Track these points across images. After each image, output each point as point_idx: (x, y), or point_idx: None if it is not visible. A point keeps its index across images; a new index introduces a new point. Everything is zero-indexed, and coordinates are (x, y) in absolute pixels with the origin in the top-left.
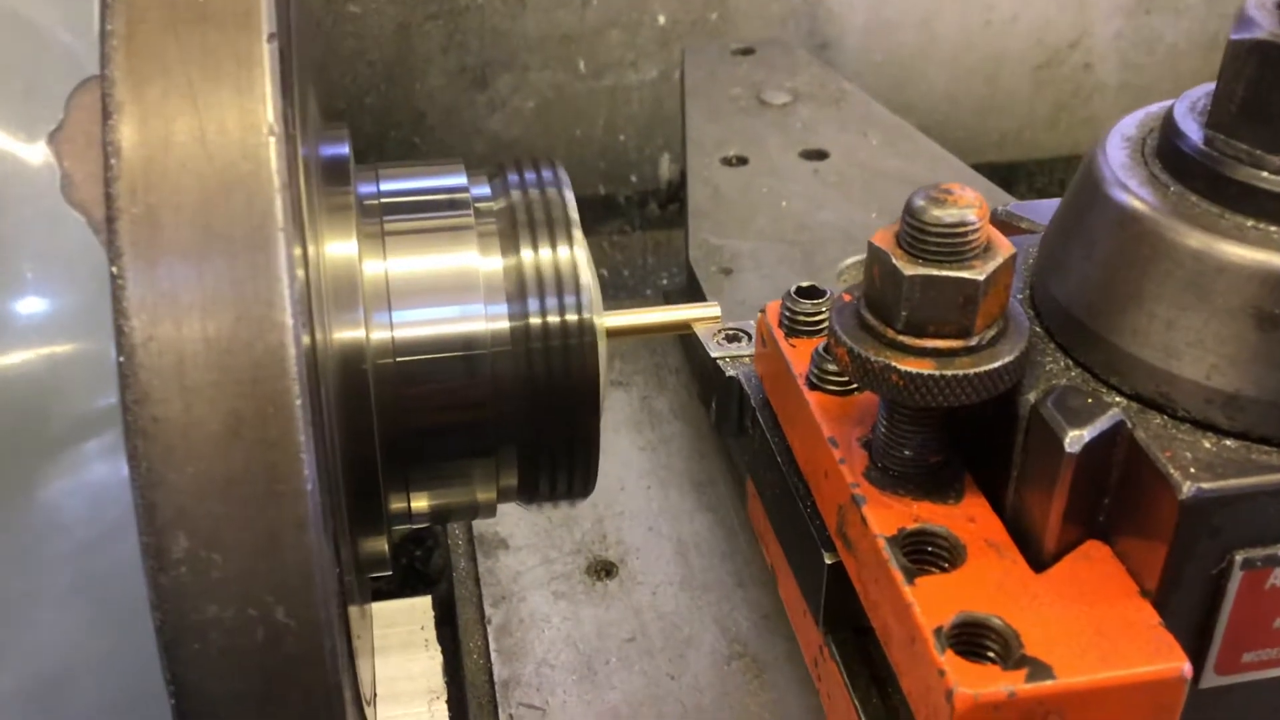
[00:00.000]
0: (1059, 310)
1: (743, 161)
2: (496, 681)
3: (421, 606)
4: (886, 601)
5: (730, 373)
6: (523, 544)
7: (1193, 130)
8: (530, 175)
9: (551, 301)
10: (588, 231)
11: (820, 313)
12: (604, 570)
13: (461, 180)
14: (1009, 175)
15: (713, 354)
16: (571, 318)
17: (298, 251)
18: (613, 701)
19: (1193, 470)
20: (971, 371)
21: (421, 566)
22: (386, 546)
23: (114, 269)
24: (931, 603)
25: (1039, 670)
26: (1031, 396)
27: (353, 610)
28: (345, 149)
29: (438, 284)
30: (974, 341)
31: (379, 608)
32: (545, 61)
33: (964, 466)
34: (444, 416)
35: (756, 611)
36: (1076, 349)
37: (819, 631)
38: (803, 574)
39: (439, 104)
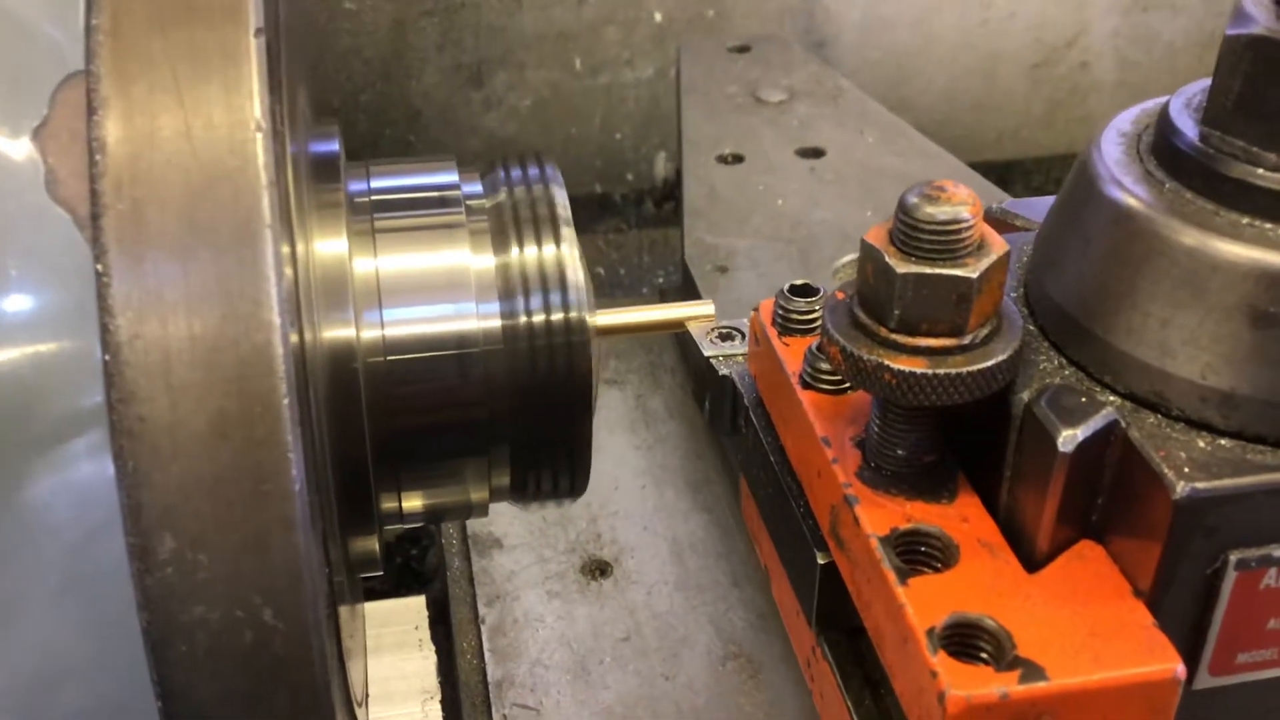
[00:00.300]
0: (1053, 308)
1: (739, 159)
2: (490, 681)
3: (415, 606)
4: (879, 602)
5: (724, 371)
6: (517, 543)
7: (1188, 127)
8: (522, 173)
9: (543, 300)
10: (583, 230)
11: (814, 311)
12: (598, 570)
13: (453, 178)
14: (1006, 173)
15: (706, 353)
16: (564, 316)
17: (285, 249)
18: (607, 702)
19: (1187, 470)
20: (965, 370)
21: (417, 565)
22: (377, 546)
23: (99, 266)
24: (924, 603)
25: (1032, 671)
26: (1025, 395)
27: (344, 610)
28: (335, 146)
29: (429, 282)
30: (967, 340)
31: (373, 607)
32: (541, 59)
33: (957, 466)
34: (435, 415)
35: (751, 611)
36: (1070, 347)
37: (812, 632)
38: (795, 574)
39: (434, 101)
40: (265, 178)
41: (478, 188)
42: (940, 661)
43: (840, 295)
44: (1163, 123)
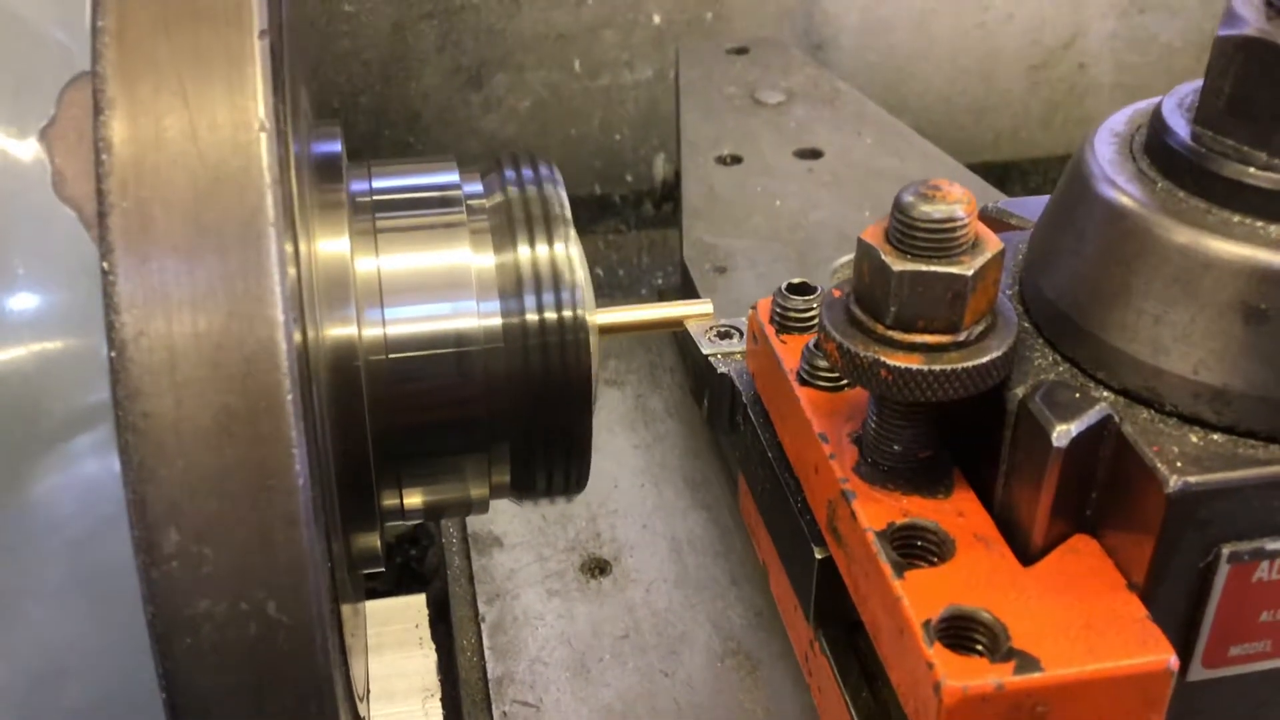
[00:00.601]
0: (1047, 306)
1: (737, 161)
2: (490, 679)
3: (416, 605)
4: (876, 595)
5: (722, 369)
6: (517, 542)
7: (1180, 126)
8: (523, 172)
9: (544, 298)
10: (582, 231)
11: (811, 309)
12: (598, 568)
13: (454, 177)
14: (1004, 175)
15: (704, 351)
16: (564, 314)
17: (289, 248)
18: (606, 699)
19: (1179, 464)
20: (960, 366)
21: (416, 566)
22: (379, 542)
23: (105, 264)
24: (920, 596)
25: (1027, 663)
26: (1020, 391)
27: (346, 608)
28: (338, 146)
29: (430, 281)
30: (962, 337)
31: (373, 606)
32: (540, 61)
33: (953, 461)
34: (436, 413)
35: (750, 609)
36: (1064, 344)
37: (810, 626)
38: (793, 569)
39: (434, 103)
40: (269, 177)
41: (478, 187)
42: (936, 653)
43: (837, 293)
44: (1155, 123)
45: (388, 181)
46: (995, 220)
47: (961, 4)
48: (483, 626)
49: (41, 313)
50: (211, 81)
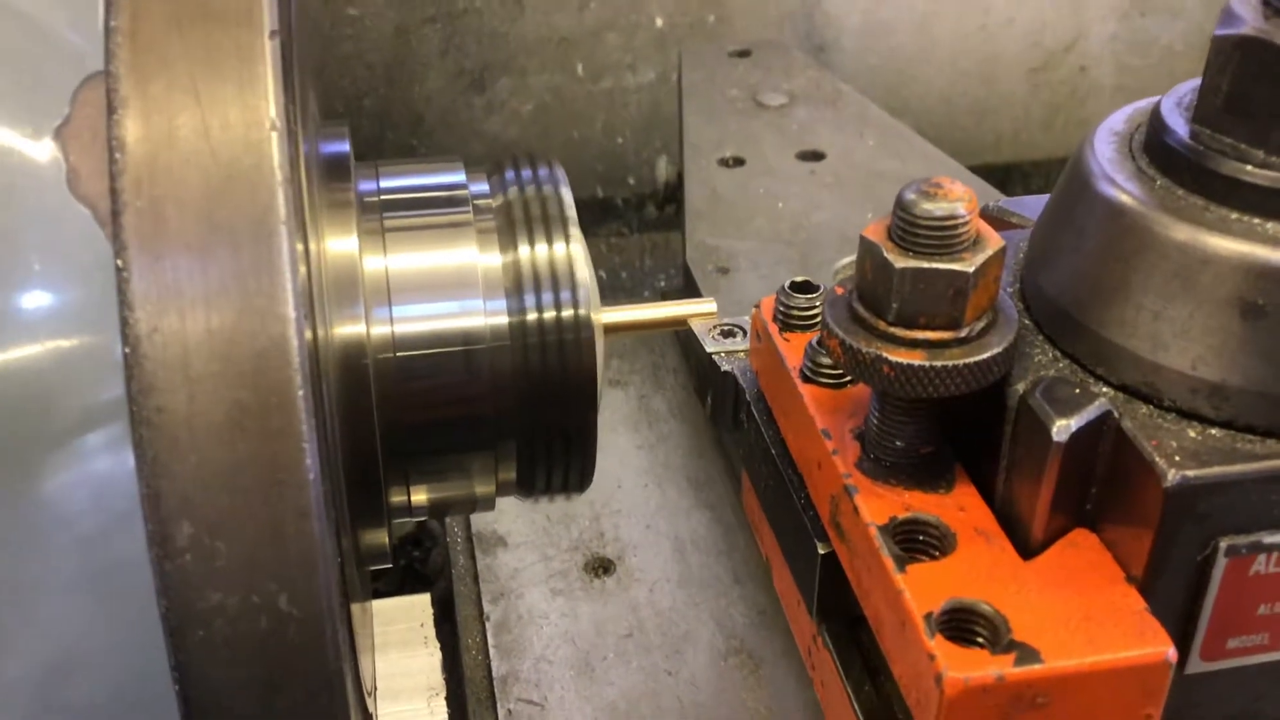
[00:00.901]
0: (1048, 302)
1: (739, 163)
2: (495, 677)
3: (420, 604)
4: (878, 589)
5: (725, 367)
6: (521, 541)
7: (1179, 125)
8: (528, 173)
9: (549, 297)
10: (586, 233)
11: (814, 307)
12: (602, 567)
13: (460, 177)
14: (1005, 177)
15: (708, 349)
16: (569, 313)
17: (300, 246)
18: (610, 697)
19: (1178, 458)
20: (961, 362)
21: (420, 567)
22: (387, 539)
23: (119, 261)
24: (922, 589)
25: (1027, 654)
26: (1020, 387)
27: (354, 606)
28: (345, 146)
29: (437, 280)
30: (964, 333)
31: (379, 605)
32: (543, 64)
33: (955, 457)
34: (443, 410)
35: (753, 608)
36: (1064, 340)
37: (813, 621)
38: (797, 565)
39: (437, 106)
40: (280, 176)
41: (484, 187)
42: (938, 645)
43: (840, 290)
44: (1154, 121)
45: (395, 181)
46: (996, 219)
47: (963, 7)
48: (487, 625)
49: (56, 310)
50: (223, 81)
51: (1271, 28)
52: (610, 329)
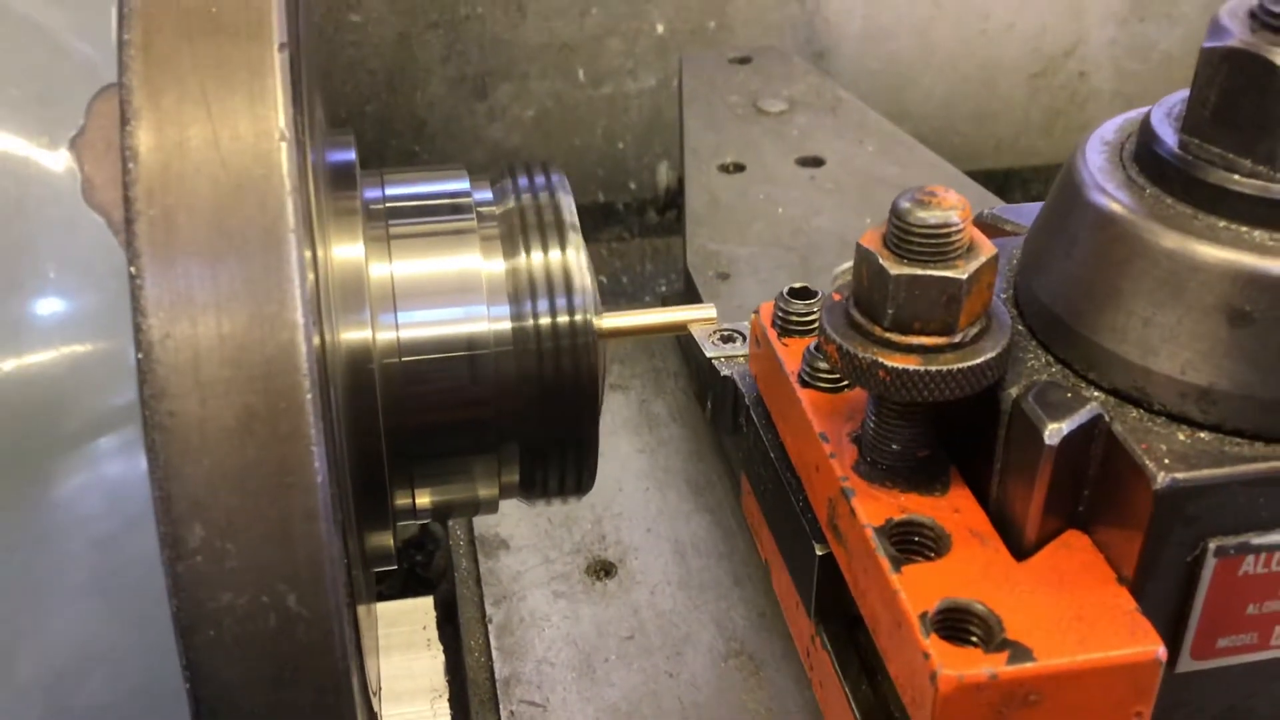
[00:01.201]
0: (1040, 309)
1: (740, 169)
2: (498, 679)
3: (423, 606)
4: (874, 589)
5: (725, 372)
6: (523, 544)
7: (1168, 135)
8: (530, 180)
9: (551, 303)
10: (587, 239)
11: (812, 313)
12: (603, 570)
13: (464, 185)
14: (1004, 182)
15: (708, 354)
16: (571, 319)
17: (308, 253)
18: (612, 699)
19: (1167, 461)
20: (955, 367)
21: (423, 571)
22: (392, 541)
23: (132, 269)
24: (917, 589)
25: (1020, 653)
26: (1013, 391)
27: (360, 608)
28: (351, 154)
29: (442, 286)
30: (958, 338)
31: (382, 608)
32: (545, 70)
33: (950, 460)
34: (447, 414)
35: (753, 610)
36: (1057, 346)
37: (811, 622)
38: (795, 566)
39: (439, 112)
40: (289, 185)
41: (488, 195)
42: (932, 644)
43: (837, 296)
44: (1144, 132)
45: (400, 189)
46: (990, 226)
47: (962, 12)
48: (490, 628)
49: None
50: (233, 92)
51: (1258, 40)
52: (611, 334)
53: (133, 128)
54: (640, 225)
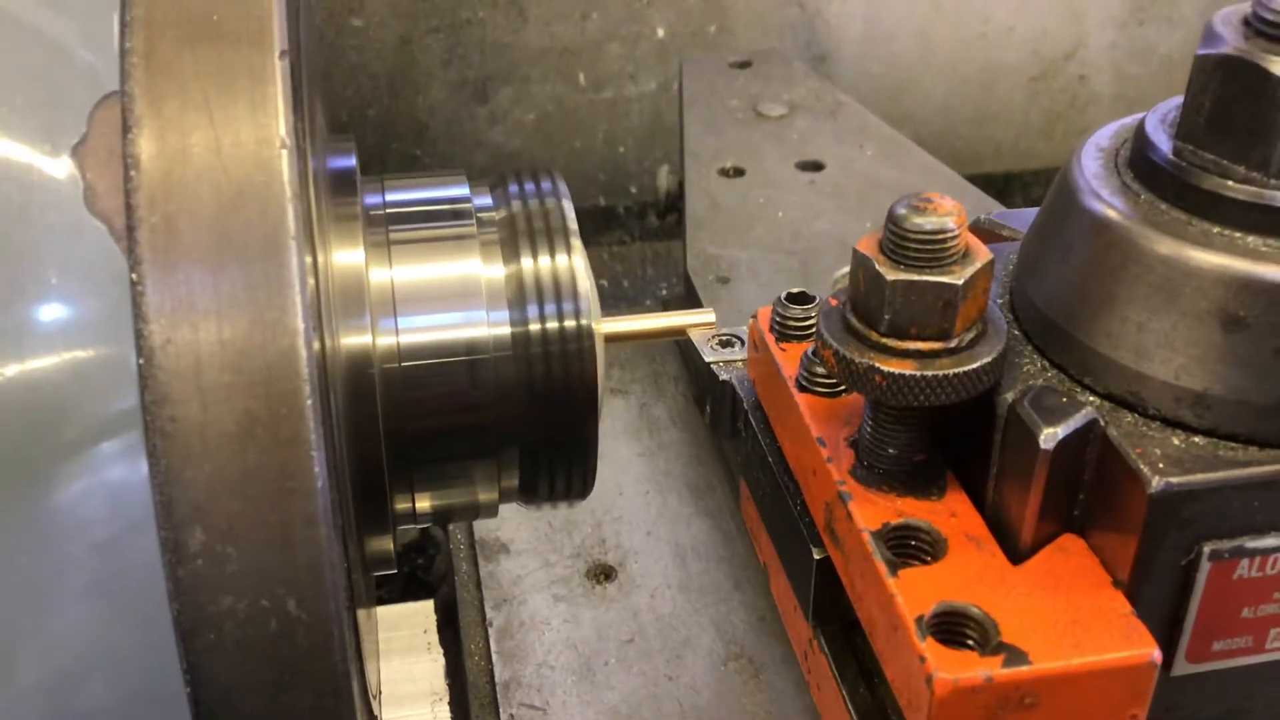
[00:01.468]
0: (1036, 314)
1: (740, 173)
2: (498, 682)
3: (424, 610)
4: (871, 593)
5: (724, 377)
6: (523, 548)
7: (1163, 141)
8: (530, 186)
9: (551, 308)
10: (587, 242)
11: (810, 318)
12: (603, 574)
13: (464, 191)
14: (1005, 185)
15: (707, 359)
16: (570, 323)
17: (308, 259)
18: (612, 702)
19: (1162, 466)
20: (951, 372)
21: (423, 575)
22: (392, 545)
23: (134, 275)
24: (913, 593)
25: (1015, 656)
26: (1009, 396)
27: (359, 612)
28: (352, 161)
29: (441, 291)
30: (954, 343)
31: (383, 612)
32: (545, 74)
33: (946, 464)
34: (447, 419)
35: (753, 614)
36: (1052, 351)
37: (809, 625)
38: (793, 570)
39: (440, 116)
40: (290, 192)
41: (488, 201)
42: (928, 647)
43: (834, 301)
44: (1139, 138)
45: (400, 195)
46: (987, 231)
47: (962, 15)
48: (490, 631)
49: (72, 322)
50: (235, 100)
51: (1252, 47)
52: (611, 338)
53: (135, 135)
54: (641, 229)
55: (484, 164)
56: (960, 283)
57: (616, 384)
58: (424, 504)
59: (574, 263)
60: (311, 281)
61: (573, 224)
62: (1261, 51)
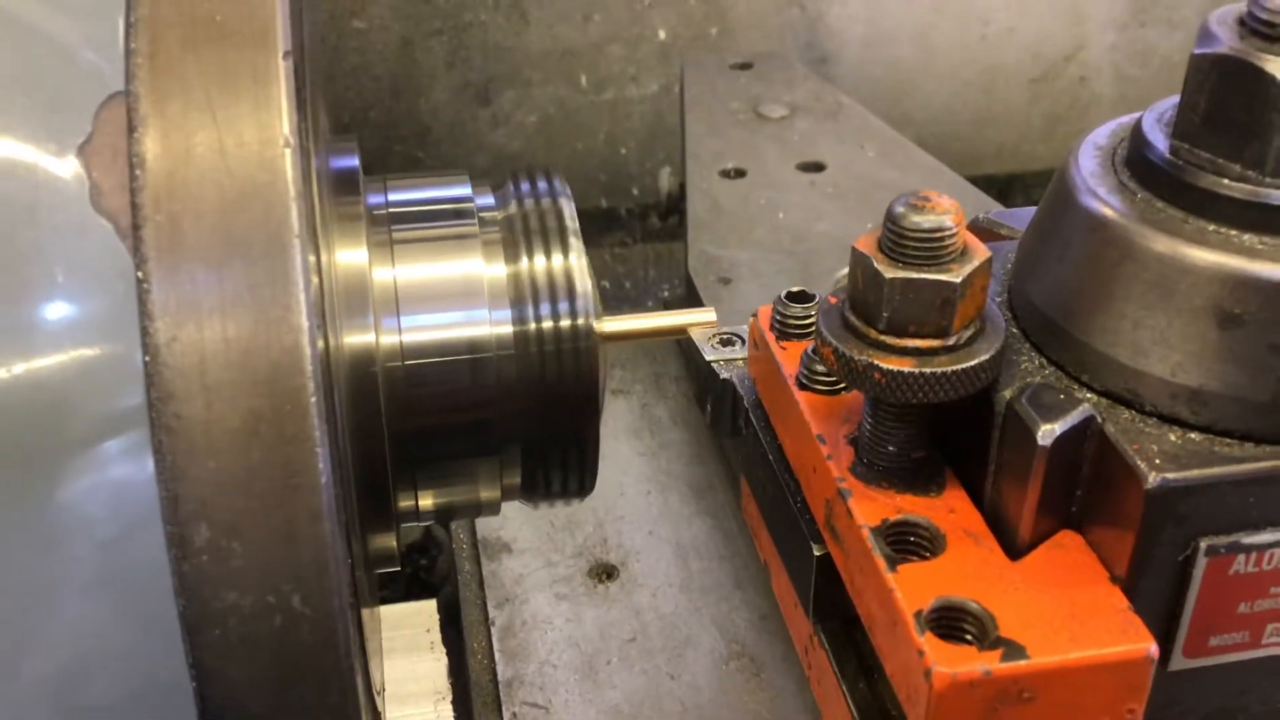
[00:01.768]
0: (1034, 311)
1: (741, 174)
2: (500, 681)
3: (427, 610)
4: (870, 588)
5: (724, 375)
6: (525, 548)
7: (1159, 140)
8: (532, 186)
9: (552, 307)
10: (589, 244)
11: (810, 316)
12: (605, 573)
13: (466, 191)
14: (1006, 187)
15: (708, 357)
16: (572, 322)
17: (312, 258)
18: (614, 700)
19: (1158, 462)
20: (950, 369)
21: (426, 574)
22: (395, 543)
23: (139, 274)
24: (912, 588)
25: (1013, 651)
26: (1007, 393)
27: (363, 611)
28: (355, 161)
29: (444, 290)
30: (952, 341)
31: (385, 611)
32: (547, 76)
33: (945, 461)
34: (450, 417)
35: (754, 613)
36: (1050, 348)
37: (809, 622)
38: (793, 567)
39: (443, 118)
40: (294, 191)
41: (490, 200)
42: (927, 641)
43: (833, 300)
44: (1136, 137)
45: (403, 195)
46: (986, 230)
47: (963, 17)
48: (493, 630)
49: (79, 320)
50: (239, 100)
51: (1247, 46)
52: (612, 338)
53: (140, 135)
54: (642, 230)
55: (486, 166)
56: (958, 281)
57: (618, 384)
58: (426, 501)
59: (575, 262)
60: (315, 280)
61: (574, 224)
62: (1256, 51)
